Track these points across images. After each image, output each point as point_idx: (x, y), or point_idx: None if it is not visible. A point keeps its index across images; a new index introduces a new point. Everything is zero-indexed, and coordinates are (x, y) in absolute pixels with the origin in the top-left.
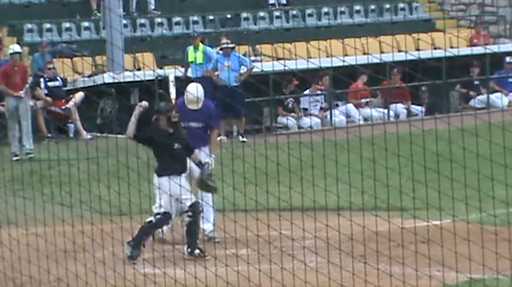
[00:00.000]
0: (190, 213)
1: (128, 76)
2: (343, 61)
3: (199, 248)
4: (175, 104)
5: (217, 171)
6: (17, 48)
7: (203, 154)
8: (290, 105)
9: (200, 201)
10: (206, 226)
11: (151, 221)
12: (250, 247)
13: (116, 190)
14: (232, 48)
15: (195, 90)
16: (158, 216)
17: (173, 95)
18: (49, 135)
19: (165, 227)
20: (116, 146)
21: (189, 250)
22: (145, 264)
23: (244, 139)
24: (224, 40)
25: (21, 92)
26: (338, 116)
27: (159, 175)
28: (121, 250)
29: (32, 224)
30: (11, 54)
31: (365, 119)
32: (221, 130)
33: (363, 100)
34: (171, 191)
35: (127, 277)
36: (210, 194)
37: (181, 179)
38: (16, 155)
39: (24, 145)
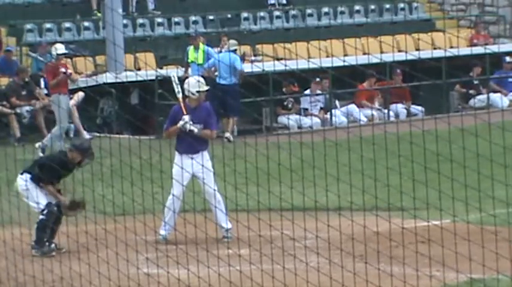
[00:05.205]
0: (45, 212)
1: (128, 76)
2: (345, 61)
3: (48, 242)
4: (181, 101)
5: (218, 171)
6: (62, 49)
7: (204, 159)
8: (290, 105)
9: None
10: (223, 224)
11: (42, 218)
12: (252, 246)
13: (118, 189)
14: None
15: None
16: (45, 211)
17: (180, 94)
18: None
19: (167, 227)
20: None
21: (37, 246)
22: (149, 264)
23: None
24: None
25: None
26: (339, 117)
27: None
28: (124, 249)
29: (35, 223)
30: (58, 55)
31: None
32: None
33: (376, 104)
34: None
35: (130, 277)
36: (213, 196)
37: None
38: None
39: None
